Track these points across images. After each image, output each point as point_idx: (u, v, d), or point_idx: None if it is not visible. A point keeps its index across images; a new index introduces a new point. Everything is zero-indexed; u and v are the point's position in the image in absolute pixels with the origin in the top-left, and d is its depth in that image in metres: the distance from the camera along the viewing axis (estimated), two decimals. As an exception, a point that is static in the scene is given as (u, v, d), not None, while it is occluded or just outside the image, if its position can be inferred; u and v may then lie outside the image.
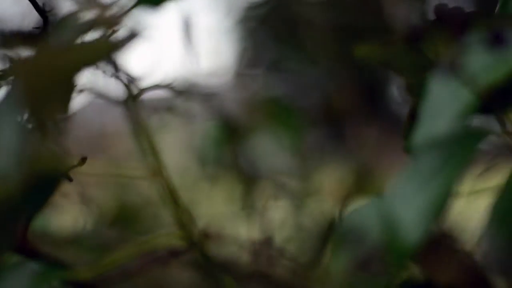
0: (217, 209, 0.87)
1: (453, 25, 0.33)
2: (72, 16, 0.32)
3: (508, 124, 0.34)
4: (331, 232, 0.36)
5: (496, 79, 0.31)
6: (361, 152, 0.98)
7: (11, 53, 0.34)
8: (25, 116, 0.30)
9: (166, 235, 0.41)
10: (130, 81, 0.40)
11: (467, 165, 0.30)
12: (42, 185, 0.31)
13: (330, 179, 0.94)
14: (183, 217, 0.40)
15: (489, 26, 0.32)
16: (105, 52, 0.34)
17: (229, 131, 0.82)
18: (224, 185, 0.85)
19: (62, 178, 0.36)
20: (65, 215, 0.71)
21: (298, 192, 0.84)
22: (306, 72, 1.30)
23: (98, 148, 0.98)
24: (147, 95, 0.43)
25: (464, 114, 0.31)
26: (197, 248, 0.40)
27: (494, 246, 0.30)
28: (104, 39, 0.32)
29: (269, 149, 0.83)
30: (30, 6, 0.38)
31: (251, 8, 1.38)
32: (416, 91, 0.34)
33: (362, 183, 0.89)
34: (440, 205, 0.29)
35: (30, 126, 0.30)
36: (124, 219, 0.86)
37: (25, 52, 0.35)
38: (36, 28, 0.37)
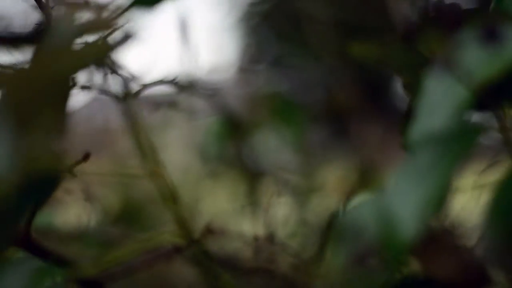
0: (220, 205, 0.87)
1: (449, 21, 0.33)
2: (67, 18, 0.32)
3: (505, 120, 0.34)
4: (331, 229, 0.36)
5: (491, 75, 0.31)
6: (364, 149, 0.98)
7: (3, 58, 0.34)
8: (20, 118, 0.30)
9: (169, 232, 0.41)
10: (128, 79, 0.40)
11: (463, 160, 0.30)
12: (42, 183, 0.31)
13: (333, 175, 0.94)
14: (182, 214, 0.40)
15: (483, 22, 0.32)
16: (102, 54, 0.34)
17: (232, 127, 0.82)
18: (227, 181, 0.85)
19: (63, 176, 0.36)
20: (69, 212, 0.71)
21: (301, 188, 0.84)
22: (309, 68, 1.30)
23: (101, 144, 0.99)
24: (149, 92, 0.44)
25: (460, 110, 0.32)
26: (196, 245, 0.40)
27: (493, 242, 0.30)
28: (100, 40, 0.32)
29: (272, 145, 0.83)
30: (30, 6, 0.38)
31: (254, 4, 1.38)
32: (413, 88, 0.34)
33: (365, 179, 0.89)
34: (437, 200, 0.29)
35: (26, 126, 0.30)
36: (128, 215, 0.86)
37: (22, 55, 0.35)
38: (36, 28, 0.37)
